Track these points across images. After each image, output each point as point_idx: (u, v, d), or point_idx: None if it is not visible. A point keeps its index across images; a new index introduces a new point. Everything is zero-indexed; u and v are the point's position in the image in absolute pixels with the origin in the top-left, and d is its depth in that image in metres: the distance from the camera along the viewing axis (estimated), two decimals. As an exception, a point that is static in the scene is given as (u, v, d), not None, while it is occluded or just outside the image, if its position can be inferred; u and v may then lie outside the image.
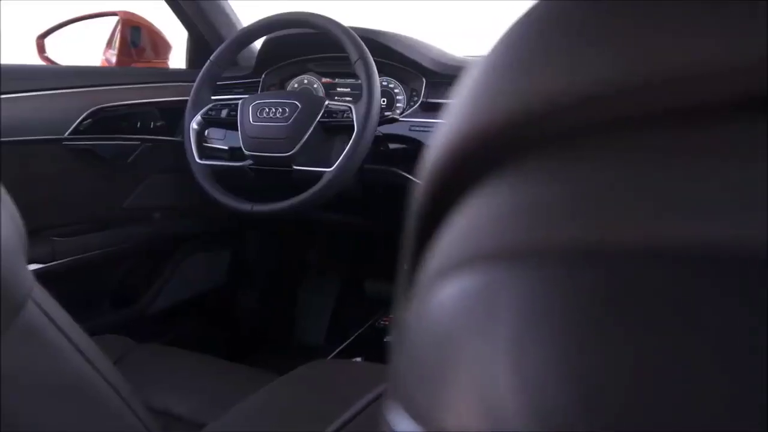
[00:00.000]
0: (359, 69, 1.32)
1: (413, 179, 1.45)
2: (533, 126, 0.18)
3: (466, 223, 0.19)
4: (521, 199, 0.17)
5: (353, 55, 1.32)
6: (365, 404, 0.77)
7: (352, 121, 1.31)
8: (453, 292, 0.17)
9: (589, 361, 0.14)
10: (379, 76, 1.50)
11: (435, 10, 1.89)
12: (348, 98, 1.58)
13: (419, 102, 1.49)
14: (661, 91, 0.16)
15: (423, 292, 0.19)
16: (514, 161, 0.18)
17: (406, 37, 1.52)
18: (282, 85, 1.64)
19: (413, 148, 1.46)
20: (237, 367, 1.08)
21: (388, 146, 1.45)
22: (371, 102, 1.30)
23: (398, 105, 1.53)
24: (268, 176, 1.41)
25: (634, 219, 0.15)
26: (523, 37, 0.20)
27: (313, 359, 1.93)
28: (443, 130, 0.22)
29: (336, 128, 1.37)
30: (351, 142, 1.29)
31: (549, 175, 0.17)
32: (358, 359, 1.01)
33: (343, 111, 1.35)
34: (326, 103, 1.36)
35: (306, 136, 1.34)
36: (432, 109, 1.49)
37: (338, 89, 1.60)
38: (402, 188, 1.47)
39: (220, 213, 1.45)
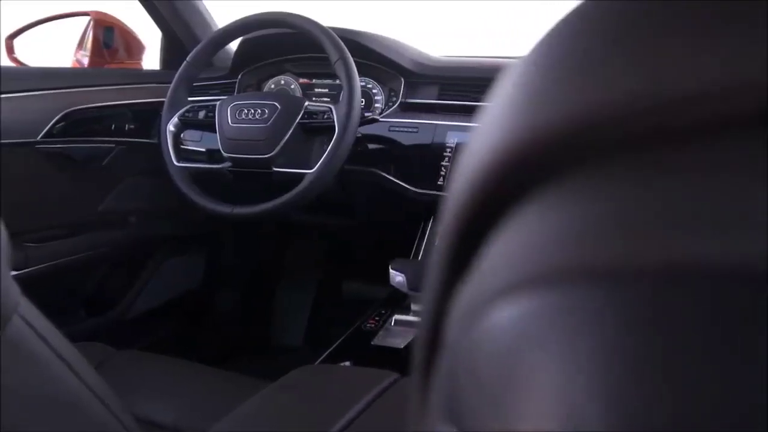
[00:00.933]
0: (339, 69, 1.31)
1: (394, 180, 1.44)
2: (594, 134, 0.17)
3: (522, 241, 0.18)
4: (585, 214, 0.17)
5: (333, 56, 1.31)
6: (361, 409, 0.76)
7: (333, 122, 1.30)
8: (518, 312, 0.17)
9: (684, 376, 0.14)
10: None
11: (412, 10, 1.89)
12: (326, 99, 1.57)
13: (398, 102, 1.49)
14: (712, 102, 0.16)
15: (477, 314, 0.18)
16: (565, 172, 0.18)
17: (383, 37, 1.52)
18: (259, 86, 1.62)
19: (392, 148, 1.45)
20: (218, 373, 1.07)
21: (367, 147, 1.45)
22: (352, 103, 1.29)
23: (377, 105, 1.52)
24: (247, 178, 1.39)
25: (712, 235, 0.15)
26: (571, 40, 0.20)
27: (293, 361, 1.93)
28: (482, 140, 0.21)
29: (316, 129, 1.36)
30: (332, 143, 1.28)
31: (615, 187, 0.17)
32: (347, 363, 1.00)
33: (324, 112, 1.34)
34: (306, 104, 1.35)
35: (286, 138, 1.32)
36: (411, 109, 1.49)
37: (316, 90, 1.59)
38: (381, 189, 1.46)
39: (197, 215, 1.44)
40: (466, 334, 0.19)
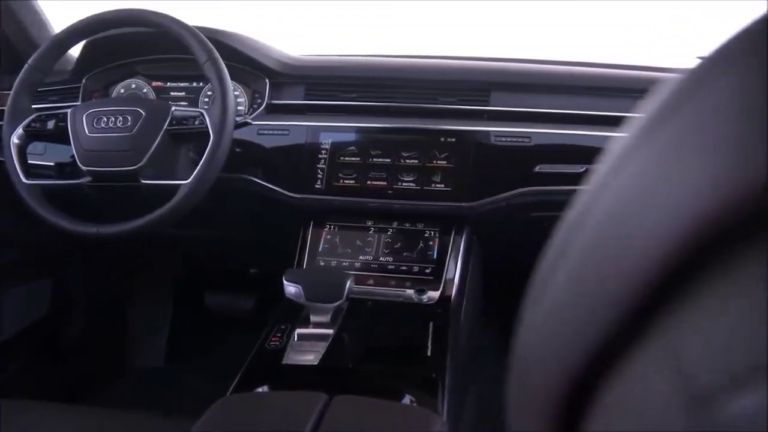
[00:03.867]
0: (209, 71, 1.23)
1: (268, 186, 1.39)
2: None
3: (755, 316, 0.17)
4: None
5: (201, 57, 1.23)
6: None
7: (206, 127, 1.22)
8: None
9: None
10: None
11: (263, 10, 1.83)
12: (184, 102, 1.47)
13: (264, 104, 1.43)
14: None
15: (711, 399, 0.17)
16: None
17: (244, 36, 1.45)
18: (106, 91, 1.49)
19: (263, 153, 1.40)
20: (119, 416, 0.96)
21: (235, 152, 1.38)
22: (226, 106, 1.22)
23: (239, 108, 1.45)
24: (111, 193, 1.27)
25: None
26: None
27: (153, 384, 1.80)
28: (681, 182, 0.19)
29: (186, 136, 1.27)
30: (208, 149, 1.20)
31: None
32: (264, 389, 0.94)
33: (194, 117, 1.25)
34: (173, 109, 1.25)
35: (153, 147, 1.22)
36: (278, 111, 1.44)
37: (172, 93, 1.49)
38: (254, 196, 1.40)
39: (38, 238, 1.29)
40: (699, 418, 0.18)
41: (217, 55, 1.24)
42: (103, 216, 1.24)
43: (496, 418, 1.09)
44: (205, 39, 1.24)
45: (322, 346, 1.06)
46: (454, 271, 1.32)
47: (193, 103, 1.47)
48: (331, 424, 0.77)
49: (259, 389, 0.94)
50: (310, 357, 1.03)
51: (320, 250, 1.36)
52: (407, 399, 0.92)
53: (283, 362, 1.02)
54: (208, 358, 1.80)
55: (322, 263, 1.35)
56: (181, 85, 1.48)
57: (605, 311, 0.25)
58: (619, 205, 0.26)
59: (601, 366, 0.26)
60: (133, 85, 1.48)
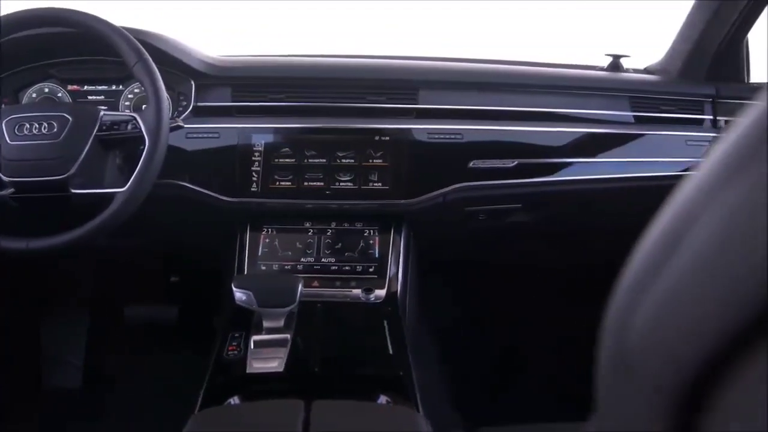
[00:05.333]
0: (140, 73, 1.18)
1: (200, 191, 1.34)
2: None
3: None
4: None
5: (131, 59, 1.17)
6: None
7: (139, 131, 1.17)
8: None
9: None
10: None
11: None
12: (104, 107, 1.40)
13: (191, 107, 1.38)
14: None
15: None
16: None
17: (167, 36, 1.39)
18: (16, 96, 1.39)
19: (193, 156, 1.35)
20: None
21: (165, 157, 1.32)
22: (160, 109, 1.17)
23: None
24: (37, 205, 1.18)
25: None
26: None
27: (72, 405, 1.70)
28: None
29: (115, 142, 1.21)
30: (144, 155, 1.15)
31: None
32: (234, 400, 0.91)
33: (125, 121, 1.19)
34: (101, 114, 1.19)
35: (83, 154, 1.16)
36: (204, 113, 1.39)
37: (89, 97, 1.41)
38: (186, 201, 1.35)
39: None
40: None
41: (148, 56, 1.19)
42: (29, 230, 1.16)
43: (464, 410, 1.11)
44: (134, 40, 1.19)
45: (282, 352, 1.04)
46: (397, 268, 1.34)
47: (114, 107, 1.39)
48: (320, 429, 0.76)
49: (231, 401, 0.91)
50: (274, 364, 1.01)
51: (260, 254, 1.34)
52: (383, 399, 0.93)
53: (248, 371, 0.99)
54: (130, 375, 1.72)
55: (263, 267, 1.32)
56: (100, 88, 1.41)
57: (735, 307, 0.27)
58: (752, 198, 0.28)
59: (722, 364, 0.27)
60: (47, 89, 1.39)
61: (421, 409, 0.93)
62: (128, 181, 1.15)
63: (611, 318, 0.37)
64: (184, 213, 1.39)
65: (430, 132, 1.37)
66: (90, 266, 1.81)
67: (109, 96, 1.41)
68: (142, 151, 1.17)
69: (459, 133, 1.38)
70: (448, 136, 1.38)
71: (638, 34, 1.80)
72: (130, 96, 1.40)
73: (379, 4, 1.79)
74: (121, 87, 1.41)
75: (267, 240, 1.35)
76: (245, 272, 1.31)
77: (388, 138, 1.36)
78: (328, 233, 1.36)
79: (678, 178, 1.44)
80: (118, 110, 1.39)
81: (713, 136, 1.49)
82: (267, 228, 1.36)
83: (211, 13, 1.79)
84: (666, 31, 1.60)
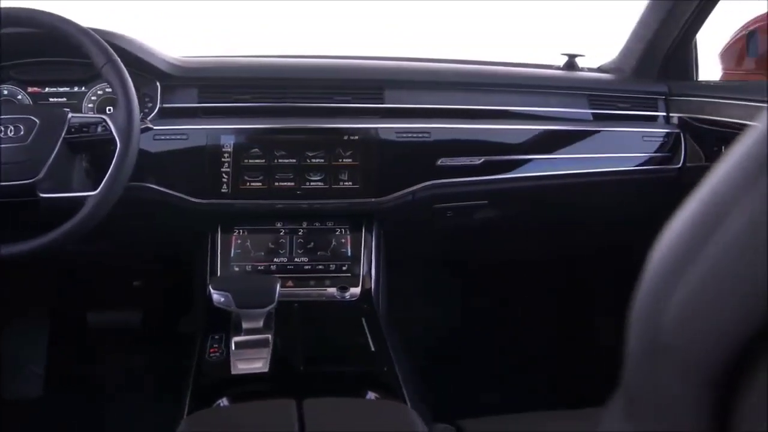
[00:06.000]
0: (109, 75, 1.16)
1: (170, 192, 1.33)
2: None
3: None
4: None
5: (99, 60, 1.16)
6: None
7: (110, 133, 1.15)
8: None
9: None
10: (100, 82, 1.35)
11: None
12: (67, 108, 1.37)
13: (157, 108, 1.36)
14: None
15: None
16: None
17: (131, 37, 1.37)
18: (-29, 99, 1.34)
19: (161, 158, 1.34)
20: None
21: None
22: (131, 110, 1.16)
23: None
24: (4, 210, 1.15)
25: None
26: None
27: (34, 416, 1.65)
28: None
29: (85, 144, 1.19)
30: (116, 157, 1.14)
31: None
32: (224, 402, 0.91)
33: (94, 123, 1.18)
34: (69, 116, 1.17)
35: (52, 158, 1.13)
36: (171, 115, 1.38)
37: (51, 99, 1.38)
38: (155, 204, 1.33)
39: None
40: None
41: (116, 57, 1.17)
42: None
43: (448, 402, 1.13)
44: (102, 40, 1.17)
45: (265, 353, 1.04)
46: (370, 266, 1.35)
47: (76, 109, 1.37)
48: (316, 428, 0.77)
49: (220, 403, 0.91)
50: (258, 364, 1.01)
51: (233, 255, 1.33)
52: (371, 395, 0.94)
53: (233, 373, 0.99)
54: (94, 381, 1.68)
55: (236, 269, 1.32)
56: (61, 90, 1.38)
57: None
58: None
59: (757, 344, 0.29)
60: (6, 92, 1.35)
61: (408, 403, 0.94)
62: (97, 184, 1.13)
63: (643, 301, 0.38)
64: (153, 216, 1.37)
65: (398, 131, 1.39)
66: (52, 272, 1.77)
67: (71, 98, 1.38)
68: (112, 153, 1.15)
69: (427, 132, 1.40)
70: (415, 135, 1.40)
71: (585, 34, 1.86)
72: (93, 98, 1.38)
73: (345, 4, 1.80)
74: (84, 89, 1.38)
75: (239, 241, 1.35)
76: (218, 274, 1.30)
77: (356, 137, 1.37)
78: (300, 233, 1.37)
79: (636, 172, 1.52)
80: (81, 112, 1.36)
81: (666, 132, 1.55)
82: (238, 229, 1.36)
83: (173, 12, 1.76)
84: (606, 30, 1.67)
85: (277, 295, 1.10)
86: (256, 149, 1.35)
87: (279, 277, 1.26)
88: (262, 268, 1.32)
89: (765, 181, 0.31)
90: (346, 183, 1.36)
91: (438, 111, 1.44)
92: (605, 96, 1.55)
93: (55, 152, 1.13)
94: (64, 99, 1.38)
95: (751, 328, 0.29)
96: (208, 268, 1.31)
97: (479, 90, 1.48)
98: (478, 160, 1.42)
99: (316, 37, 1.78)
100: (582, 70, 1.66)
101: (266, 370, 1.00)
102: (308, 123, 1.39)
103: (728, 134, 1.42)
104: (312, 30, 1.78)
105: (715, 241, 0.32)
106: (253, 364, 1.01)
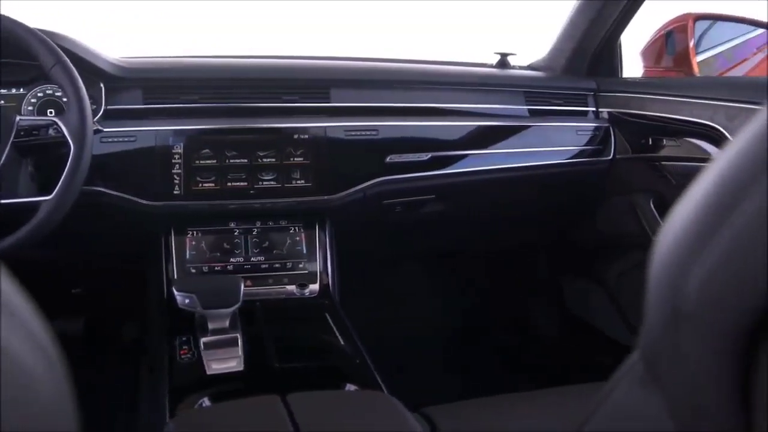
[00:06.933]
0: (59, 76, 1.13)
1: (120, 196, 1.30)
2: None
3: None
4: None
5: (48, 60, 1.13)
6: None
7: (62, 136, 1.13)
8: None
9: None
10: (41, 83, 1.30)
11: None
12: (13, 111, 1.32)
13: (102, 110, 1.33)
14: None
15: None
16: None
17: (74, 38, 1.33)
18: None
19: (110, 162, 1.31)
20: None
21: None
22: (84, 111, 1.13)
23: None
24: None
25: None
26: None
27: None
28: None
29: (34, 148, 1.15)
30: (70, 160, 1.11)
31: None
32: (205, 402, 0.90)
33: (45, 126, 1.15)
34: (18, 119, 1.13)
35: (1, 163, 1.09)
36: (116, 116, 1.35)
37: None
38: (103, 208, 1.30)
39: None
40: None
41: (65, 57, 1.15)
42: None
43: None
44: (50, 41, 1.14)
45: (236, 351, 1.05)
46: (326, 263, 1.37)
47: (16, 110, 1.32)
48: (308, 421, 0.78)
49: (202, 403, 0.91)
50: (233, 363, 1.02)
51: (188, 257, 1.32)
52: (350, 387, 0.96)
53: (208, 373, 0.99)
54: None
55: (193, 270, 1.31)
56: (1, 92, 1.32)
57: None
58: None
59: None
60: (-62, 95, 1.29)
61: (386, 392, 0.97)
62: (44, 189, 1.10)
63: (664, 274, 0.41)
64: (102, 220, 1.34)
65: (346, 129, 1.42)
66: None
67: (9, 100, 1.32)
68: (64, 156, 1.12)
69: (374, 130, 1.43)
70: (364, 133, 1.43)
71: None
72: (33, 100, 1.33)
73: (290, 4, 1.81)
74: (22, 90, 1.33)
75: (193, 243, 1.34)
76: (175, 276, 1.29)
77: (306, 136, 1.39)
78: (254, 232, 1.37)
79: (572, 164, 1.60)
80: (22, 114, 1.31)
81: (597, 126, 1.64)
82: (192, 230, 1.35)
83: (112, 12, 1.72)
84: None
85: (242, 294, 1.11)
86: (207, 150, 1.34)
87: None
88: (219, 268, 1.32)
89: None
90: (299, 181, 1.37)
91: (384, 109, 1.47)
92: (540, 93, 1.63)
93: (3, 157, 1.10)
94: (2, 102, 1.33)
95: None
96: (164, 271, 1.29)
97: (423, 88, 1.52)
98: (425, 156, 1.46)
99: (263, 37, 1.77)
100: (513, 68, 1.73)
101: (242, 368, 1.01)
102: (258, 123, 1.39)
103: (653, 127, 1.53)
104: (258, 30, 1.78)
105: (740, 211, 0.34)
106: (227, 363, 1.02)
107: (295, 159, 1.38)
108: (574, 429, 0.55)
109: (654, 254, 0.41)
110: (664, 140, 1.51)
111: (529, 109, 1.61)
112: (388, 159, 1.44)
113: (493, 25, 2.12)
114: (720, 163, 0.37)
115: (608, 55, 1.70)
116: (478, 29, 2.07)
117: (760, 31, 1.79)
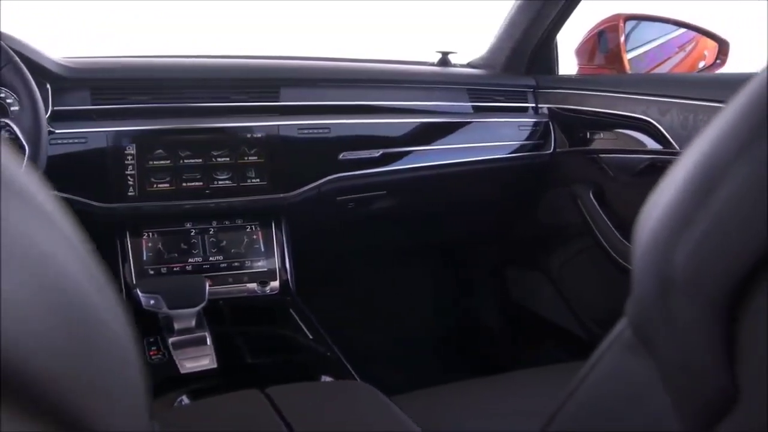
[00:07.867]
0: (10, 76, 1.11)
1: (74, 198, 1.28)
2: None
3: None
4: None
5: None
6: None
7: (15, 137, 1.10)
8: None
9: None
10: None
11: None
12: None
13: (49, 111, 1.30)
14: None
15: None
16: None
17: (18, 37, 1.30)
18: None
19: (60, 164, 1.28)
20: None
21: None
22: (37, 112, 1.12)
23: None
24: None
25: None
26: None
27: None
28: None
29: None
30: (25, 161, 1.09)
31: None
32: (184, 399, 0.90)
33: None
34: None
35: None
36: (64, 118, 1.32)
37: None
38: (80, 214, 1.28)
39: None
40: None
41: (16, 58, 1.12)
42: None
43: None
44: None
45: (207, 350, 1.05)
46: (284, 260, 1.38)
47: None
48: (294, 412, 0.80)
49: (181, 401, 0.91)
50: (206, 362, 1.02)
51: (145, 258, 1.31)
52: (327, 378, 0.98)
53: (182, 372, 0.99)
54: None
55: (151, 272, 1.30)
56: None
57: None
58: None
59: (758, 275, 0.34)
60: None
61: (359, 382, 0.99)
62: None
63: (652, 245, 0.42)
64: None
65: (299, 128, 1.43)
66: None
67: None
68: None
69: (326, 128, 1.46)
70: (316, 131, 1.45)
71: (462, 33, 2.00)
72: (-20, 103, 1.29)
73: (241, 4, 1.80)
74: None
75: (150, 244, 1.33)
76: (133, 278, 1.27)
77: (260, 135, 1.40)
78: (211, 232, 1.37)
79: (514, 159, 1.67)
80: None
81: (536, 121, 1.71)
82: (147, 232, 1.34)
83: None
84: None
85: (207, 293, 1.11)
86: (161, 150, 1.34)
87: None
88: (177, 269, 1.31)
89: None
90: (254, 180, 1.38)
91: (335, 107, 1.49)
92: (483, 90, 1.68)
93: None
94: None
95: (754, 257, 0.34)
96: (122, 273, 1.28)
97: (372, 86, 1.55)
98: (376, 153, 1.49)
99: (214, 38, 1.76)
100: (455, 66, 1.78)
101: (215, 365, 1.01)
102: (210, 123, 1.39)
103: (590, 121, 1.61)
104: (210, 30, 1.77)
105: (725, 184, 0.36)
106: (199, 361, 1.02)
107: (250, 158, 1.38)
108: (560, 402, 0.57)
109: (640, 230, 0.44)
110: (602, 133, 1.59)
111: (472, 106, 1.66)
112: (341, 156, 1.46)
113: (430, 25, 2.18)
114: (703, 141, 0.38)
115: (546, 53, 1.77)
116: (415, 29, 2.11)
117: (682, 30, 1.90)
